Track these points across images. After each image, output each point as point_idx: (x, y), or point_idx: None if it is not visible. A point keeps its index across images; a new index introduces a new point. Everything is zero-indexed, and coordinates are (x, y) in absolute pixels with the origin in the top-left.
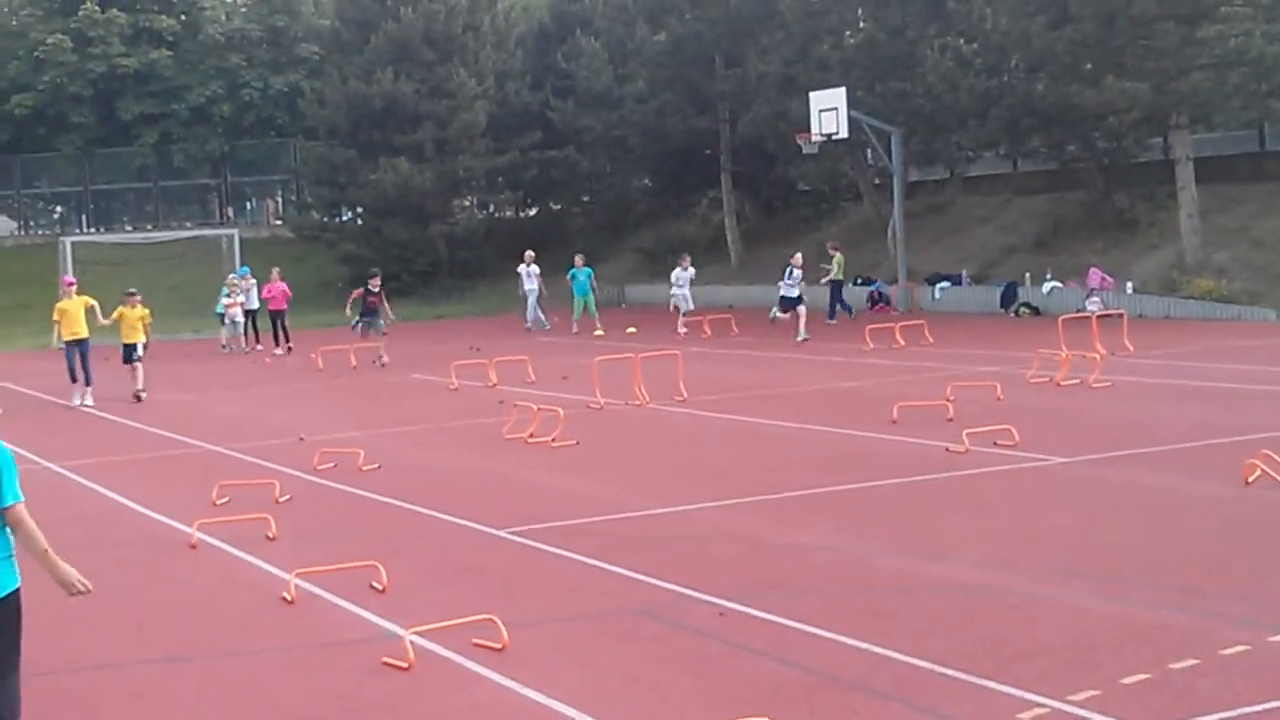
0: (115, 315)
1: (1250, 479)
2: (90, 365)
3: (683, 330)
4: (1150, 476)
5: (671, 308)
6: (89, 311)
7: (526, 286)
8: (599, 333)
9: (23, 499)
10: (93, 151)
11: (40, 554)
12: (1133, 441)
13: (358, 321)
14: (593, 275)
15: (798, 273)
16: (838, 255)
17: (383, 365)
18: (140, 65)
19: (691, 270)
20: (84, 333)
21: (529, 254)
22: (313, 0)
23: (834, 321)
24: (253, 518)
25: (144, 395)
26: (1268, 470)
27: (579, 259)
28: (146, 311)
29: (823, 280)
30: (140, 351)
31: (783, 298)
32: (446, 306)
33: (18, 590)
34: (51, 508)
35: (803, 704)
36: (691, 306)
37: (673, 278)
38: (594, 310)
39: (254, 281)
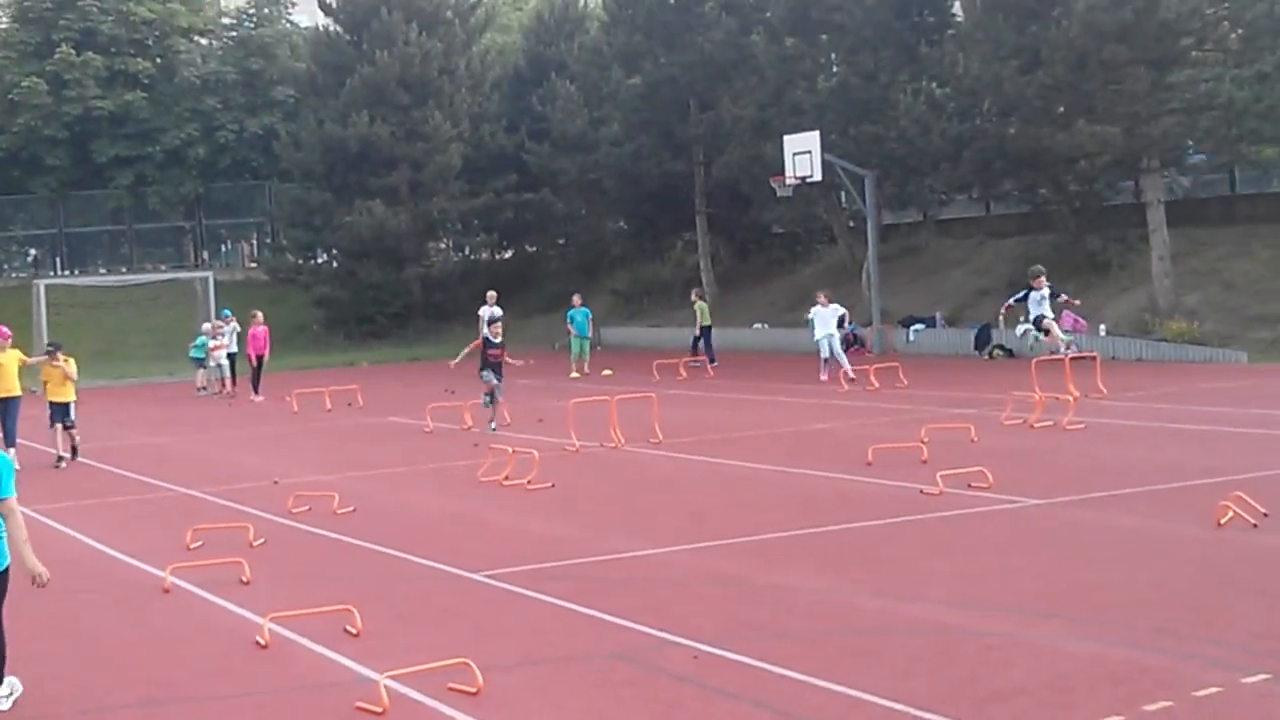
0: (42, 375)
1: (1223, 520)
2: (16, 425)
3: (846, 383)
4: (1124, 518)
5: (828, 354)
6: (22, 368)
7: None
8: (574, 375)
9: (15, 495)
10: (67, 194)
11: (21, 542)
12: (1107, 483)
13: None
14: (590, 316)
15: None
16: (699, 303)
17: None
18: (115, 108)
19: (837, 306)
20: (16, 391)
21: (491, 294)
22: (288, 44)
23: (715, 364)
24: (227, 561)
25: (66, 462)
26: (1240, 512)
27: (577, 299)
28: (72, 366)
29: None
30: (73, 413)
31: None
32: (421, 348)
33: (8, 569)
34: None
35: None
36: (834, 354)
37: (812, 315)
38: (586, 353)
39: (235, 324)
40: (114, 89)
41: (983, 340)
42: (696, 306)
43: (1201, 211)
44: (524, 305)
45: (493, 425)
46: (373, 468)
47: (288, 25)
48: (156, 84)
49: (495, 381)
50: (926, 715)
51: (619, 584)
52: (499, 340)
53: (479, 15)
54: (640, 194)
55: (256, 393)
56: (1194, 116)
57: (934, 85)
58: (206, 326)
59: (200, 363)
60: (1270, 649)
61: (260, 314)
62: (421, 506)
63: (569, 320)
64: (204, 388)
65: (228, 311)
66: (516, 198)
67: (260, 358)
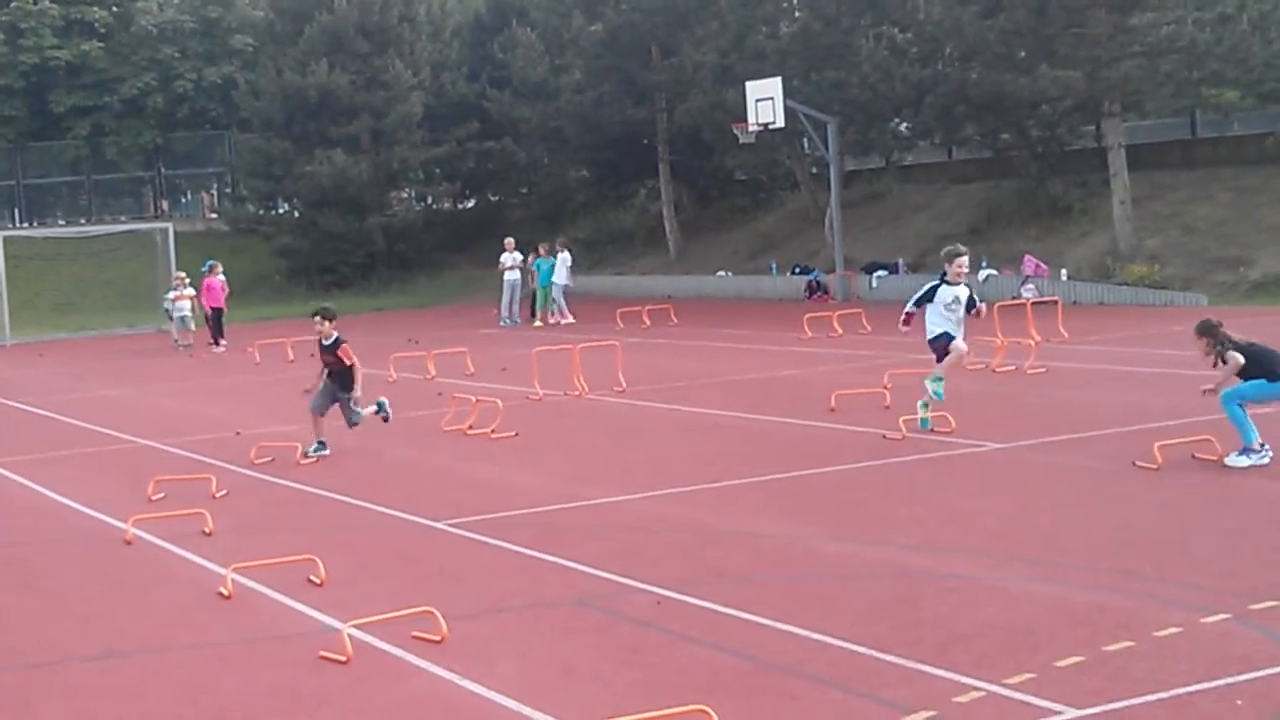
0: None
1: (1190, 459)
2: None
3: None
4: (1086, 461)
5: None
6: None
7: (509, 276)
8: (537, 324)
9: None
10: (24, 145)
11: None
12: (1068, 426)
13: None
14: (554, 265)
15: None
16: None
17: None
18: (72, 57)
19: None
20: None
21: (509, 240)
22: None
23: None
24: (189, 513)
25: None
26: (1202, 455)
27: (543, 249)
28: None
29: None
30: None
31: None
32: (385, 299)
33: None
34: None
35: (740, 691)
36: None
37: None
38: (547, 303)
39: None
40: (70, 38)
41: None
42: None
43: (1162, 155)
44: (487, 255)
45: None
46: (335, 417)
47: None
48: (113, 33)
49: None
50: (889, 658)
51: (582, 531)
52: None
53: None
54: (602, 141)
55: (216, 343)
56: (1155, 60)
57: (896, 30)
58: (174, 283)
59: (170, 314)
60: (1230, 588)
61: (219, 265)
62: (385, 456)
63: (535, 269)
64: (181, 343)
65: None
66: (478, 146)
67: (216, 309)
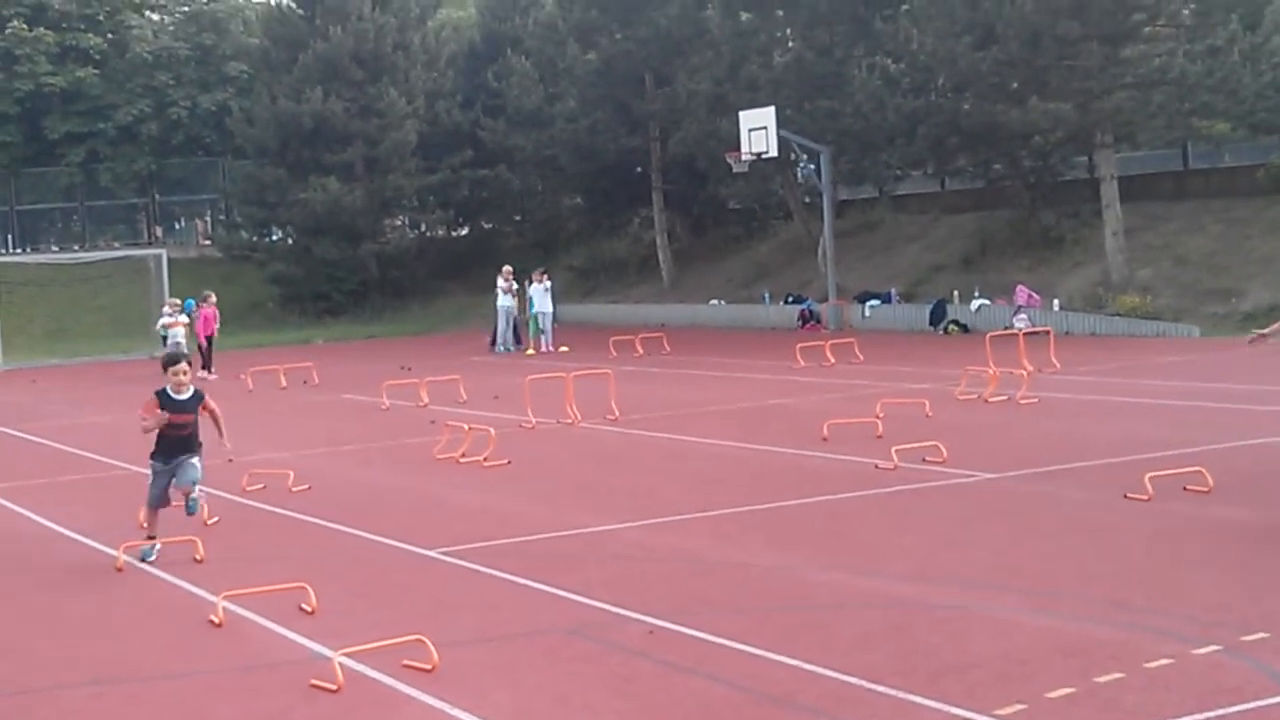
0: None
1: (1182, 490)
2: None
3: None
4: (1077, 491)
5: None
6: None
7: (501, 302)
8: (529, 353)
9: None
10: (18, 171)
11: None
12: (1060, 457)
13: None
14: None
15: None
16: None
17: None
18: (67, 84)
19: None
20: None
21: (507, 269)
22: (241, 18)
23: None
24: (180, 540)
25: None
26: (1193, 487)
27: (534, 276)
28: None
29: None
30: None
31: None
32: (378, 326)
33: None
34: None
35: None
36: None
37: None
38: (533, 331)
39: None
40: (65, 65)
41: (938, 315)
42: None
43: (1154, 187)
44: (481, 282)
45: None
46: (328, 445)
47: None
48: (108, 60)
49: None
50: (881, 688)
51: (574, 560)
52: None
53: None
54: (596, 170)
55: (209, 371)
56: (1147, 92)
57: (889, 61)
58: (166, 308)
59: (166, 340)
60: (1221, 620)
61: (212, 295)
62: (377, 484)
63: (529, 298)
64: None
65: (190, 304)
66: (472, 174)
67: (209, 338)
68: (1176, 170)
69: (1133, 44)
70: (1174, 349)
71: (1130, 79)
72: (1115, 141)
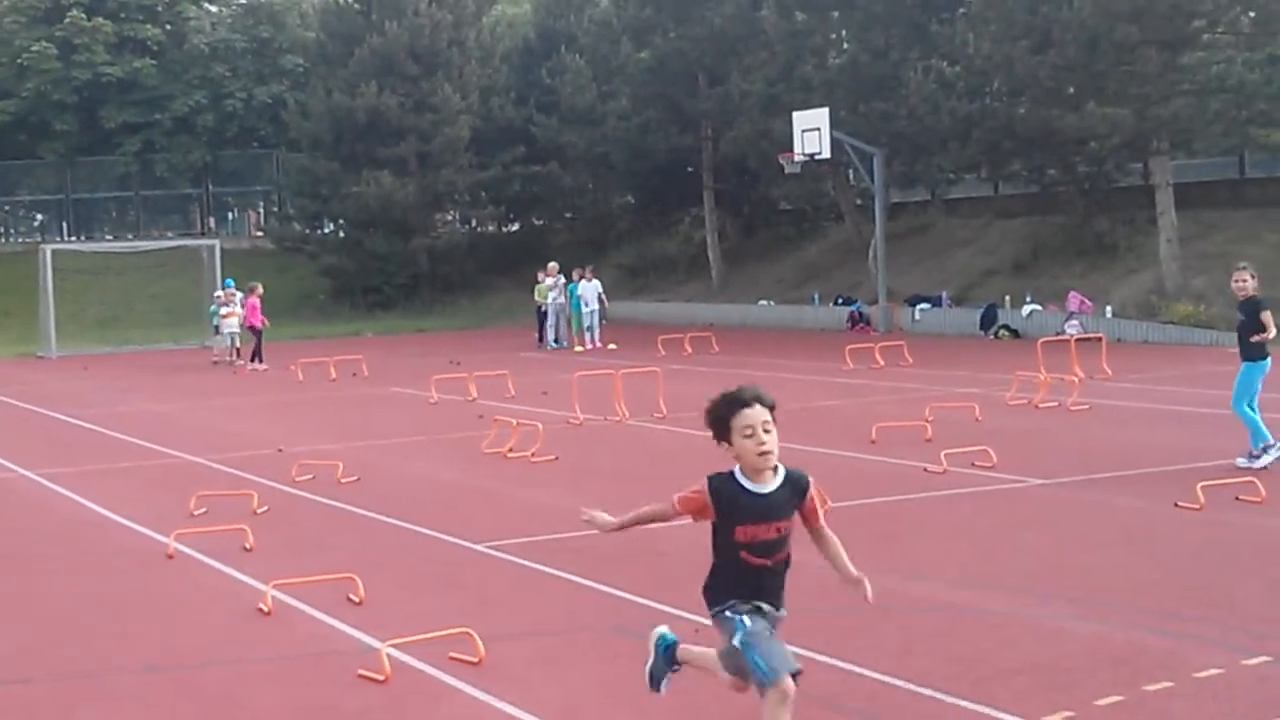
0: None
1: (1234, 500)
2: None
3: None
4: (1128, 499)
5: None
6: None
7: (552, 297)
8: (578, 349)
9: None
10: (74, 159)
11: None
12: (1110, 464)
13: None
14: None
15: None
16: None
17: None
18: (124, 74)
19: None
20: None
21: (552, 265)
22: (298, 12)
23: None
24: (230, 529)
25: None
26: (1246, 497)
27: (575, 273)
28: None
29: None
30: None
31: None
32: (427, 320)
33: None
34: (30, 517)
35: None
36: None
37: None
38: (575, 327)
39: (238, 294)
40: (123, 55)
41: (989, 320)
42: (538, 288)
43: (1210, 195)
44: (530, 278)
45: None
46: (377, 438)
47: None
48: (165, 50)
49: None
50: (927, 692)
51: (621, 557)
52: None
53: None
54: (648, 168)
55: (258, 361)
56: (1204, 99)
57: (944, 64)
58: (219, 295)
59: (218, 330)
60: (1271, 631)
61: (259, 285)
62: (425, 477)
63: (569, 294)
64: (217, 360)
65: (230, 282)
66: (524, 170)
67: (254, 328)
68: (1233, 178)
69: (1191, 50)
70: (1226, 358)
71: (1188, 85)
72: (1171, 148)
